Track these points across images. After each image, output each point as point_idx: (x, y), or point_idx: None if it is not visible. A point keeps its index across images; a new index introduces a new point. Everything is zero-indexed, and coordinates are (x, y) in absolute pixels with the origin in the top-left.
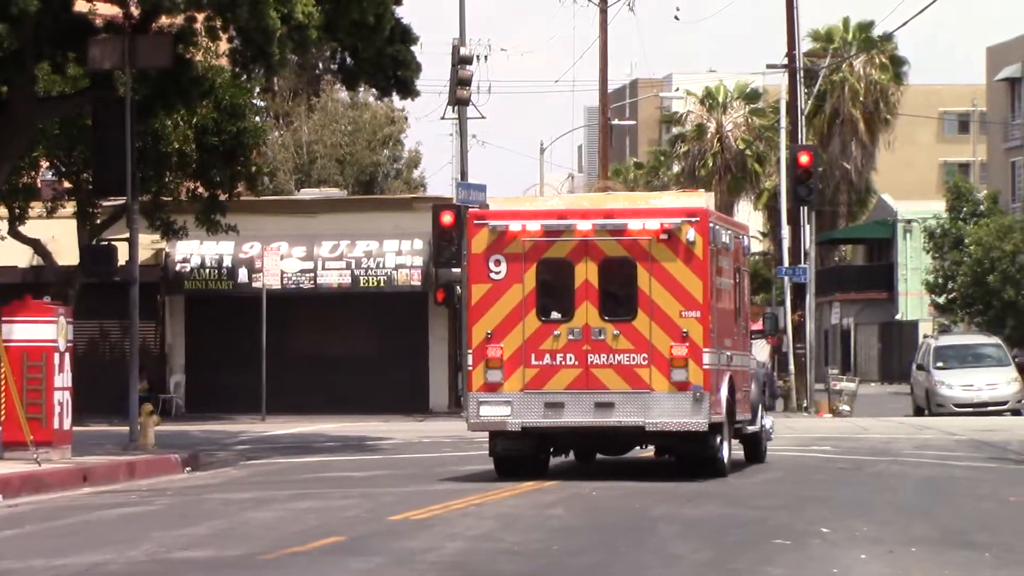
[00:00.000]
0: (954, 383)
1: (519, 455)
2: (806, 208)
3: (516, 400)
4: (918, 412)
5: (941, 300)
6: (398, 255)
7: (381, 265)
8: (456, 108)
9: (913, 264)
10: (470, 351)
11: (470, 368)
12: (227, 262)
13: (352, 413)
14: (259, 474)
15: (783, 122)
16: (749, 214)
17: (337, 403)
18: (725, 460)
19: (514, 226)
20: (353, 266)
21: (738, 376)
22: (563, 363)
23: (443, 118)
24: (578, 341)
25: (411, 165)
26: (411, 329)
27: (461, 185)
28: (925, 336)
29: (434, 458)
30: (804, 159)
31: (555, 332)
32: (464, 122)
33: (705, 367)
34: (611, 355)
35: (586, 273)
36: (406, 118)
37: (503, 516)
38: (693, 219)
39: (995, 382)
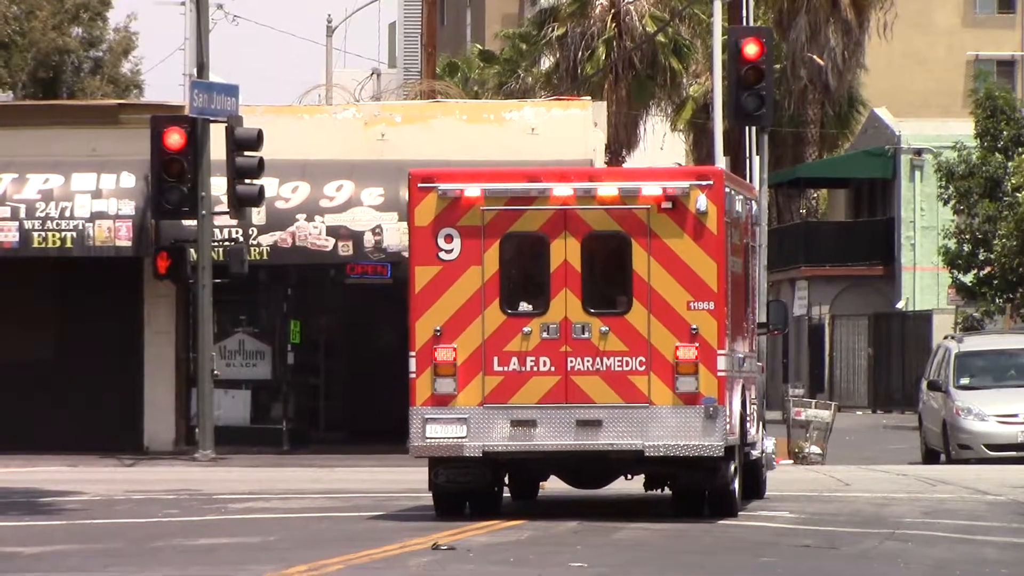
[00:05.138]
0: (987, 412)
1: (469, 488)
2: (754, 129)
3: (474, 417)
4: (930, 457)
5: (968, 279)
6: (95, 198)
7: (67, 214)
8: None
9: (925, 221)
10: (413, 353)
11: (413, 375)
12: None
13: (18, 450)
14: None
15: None
16: (664, 136)
17: None
18: (737, 493)
19: (471, 191)
20: (22, 214)
21: (749, 385)
22: (535, 369)
23: None
24: (555, 340)
25: (119, 52)
26: (115, 317)
27: (197, 85)
28: (945, 337)
29: (149, 526)
30: (752, 50)
31: (525, 329)
32: None
33: (719, 374)
34: (598, 359)
35: (565, 252)
36: None
37: None
38: (705, 182)
39: None
